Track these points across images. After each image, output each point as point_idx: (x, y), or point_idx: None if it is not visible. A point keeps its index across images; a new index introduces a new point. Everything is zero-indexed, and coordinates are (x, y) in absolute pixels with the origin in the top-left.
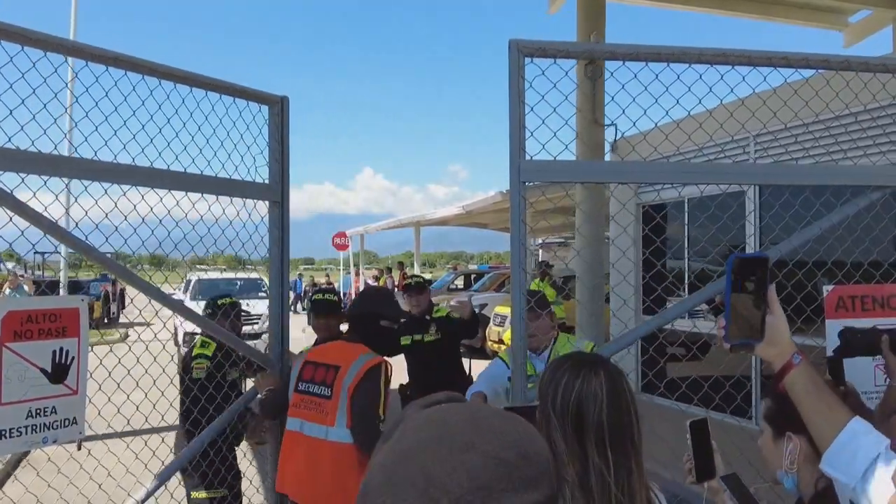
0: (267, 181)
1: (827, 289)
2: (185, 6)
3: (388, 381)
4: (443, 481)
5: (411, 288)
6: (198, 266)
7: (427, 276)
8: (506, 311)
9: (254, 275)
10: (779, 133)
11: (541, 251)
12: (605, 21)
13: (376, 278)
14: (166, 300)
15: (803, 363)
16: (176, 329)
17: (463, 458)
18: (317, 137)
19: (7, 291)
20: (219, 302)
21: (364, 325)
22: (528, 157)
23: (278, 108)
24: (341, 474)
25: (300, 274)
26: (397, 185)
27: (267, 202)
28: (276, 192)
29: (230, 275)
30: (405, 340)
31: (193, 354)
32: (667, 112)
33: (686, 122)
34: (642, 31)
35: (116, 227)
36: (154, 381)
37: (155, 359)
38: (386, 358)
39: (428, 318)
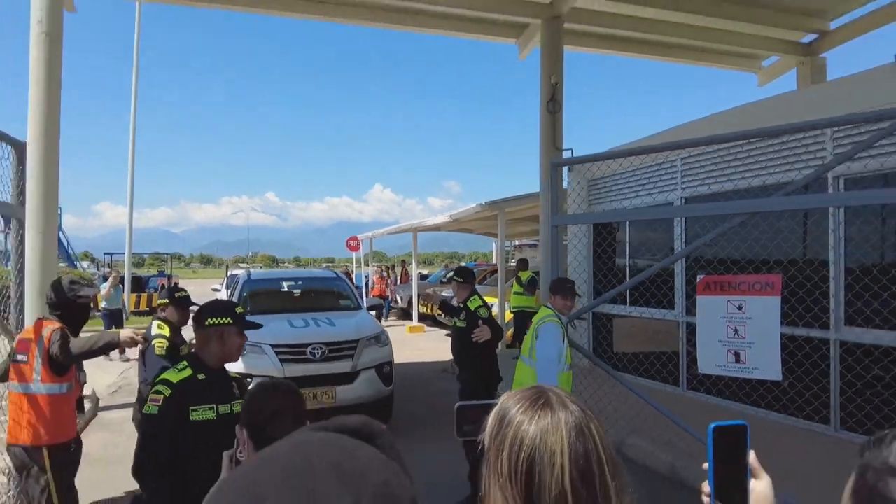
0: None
1: (700, 276)
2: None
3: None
4: None
5: (453, 280)
6: (239, 264)
7: (424, 271)
8: (491, 300)
9: (320, 269)
10: (699, 156)
11: (514, 250)
12: (562, 65)
13: (388, 270)
14: None
15: None
16: None
17: None
18: (336, 158)
19: (111, 290)
20: (176, 295)
21: (67, 305)
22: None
23: (22, 149)
24: (36, 415)
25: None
26: (402, 198)
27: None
28: (21, 211)
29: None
30: (450, 322)
31: (153, 335)
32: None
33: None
34: (589, 69)
35: None
36: None
37: None
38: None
39: (461, 305)
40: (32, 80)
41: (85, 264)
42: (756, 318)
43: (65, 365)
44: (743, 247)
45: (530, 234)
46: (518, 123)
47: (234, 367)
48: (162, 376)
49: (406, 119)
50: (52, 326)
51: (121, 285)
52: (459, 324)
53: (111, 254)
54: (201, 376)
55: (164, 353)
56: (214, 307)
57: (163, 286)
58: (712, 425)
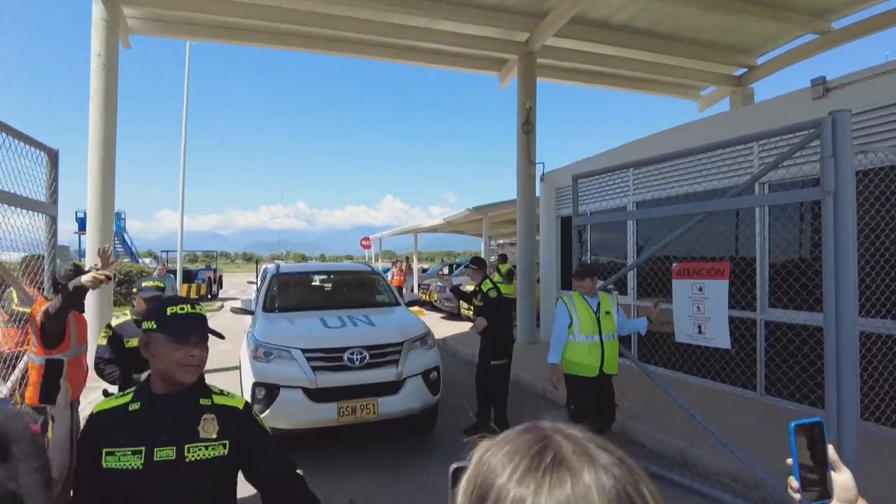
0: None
1: (675, 264)
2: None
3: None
4: None
5: (468, 267)
6: (275, 261)
7: (425, 266)
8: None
9: (354, 262)
10: (651, 167)
11: (497, 248)
12: (535, 93)
13: (396, 262)
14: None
15: None
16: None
17: None
18: (355, 173)
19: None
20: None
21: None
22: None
23: (54, 155)
24: (35, 382)
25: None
26: (409, 206)
27: (45, 216)
28: (53, 209)
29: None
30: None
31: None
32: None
33: (592, 161)
34: (558, 96)
35: None
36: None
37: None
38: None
39: (477, 289)
40: (93, 105)
41: (147, 260)
42: (711, 297)
43: (52, 335)
44: (698, 246)
45: (512, 234)
46: (501, 143)
47: (258, 377)
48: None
49: (413, 140)
50: (42, 305)
51: (171, 275)
52: (477, 303)
53: (167, 251)
54: (135, 406)
55: (104, 342)
56: (153, 306)
57: (209, 278)
58: (792, 424)
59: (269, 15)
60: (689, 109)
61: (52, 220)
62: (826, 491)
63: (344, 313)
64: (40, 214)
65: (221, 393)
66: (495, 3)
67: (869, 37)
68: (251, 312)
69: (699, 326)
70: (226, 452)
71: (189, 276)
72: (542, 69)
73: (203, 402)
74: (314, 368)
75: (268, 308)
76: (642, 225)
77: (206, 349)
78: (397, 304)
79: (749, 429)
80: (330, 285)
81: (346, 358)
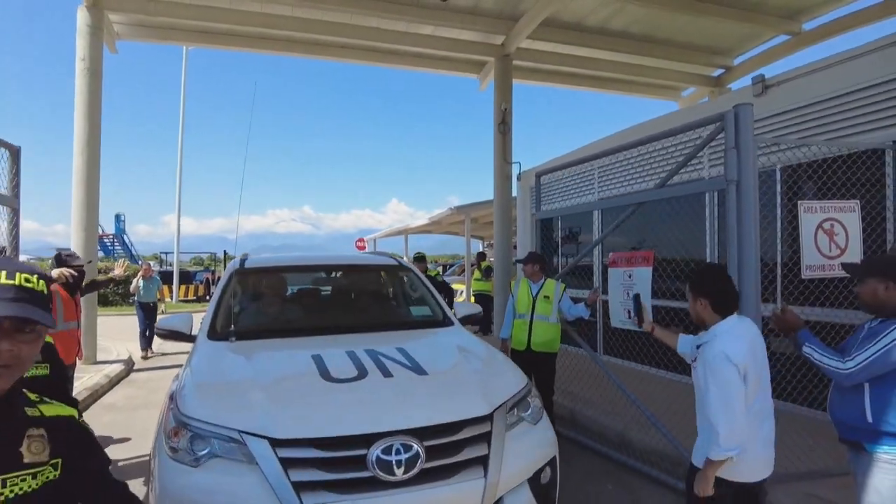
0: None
1: (610, 254)
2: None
3: None
4: None
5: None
6: None
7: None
8: (458, 286)
9: (372, 255)
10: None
11: (485, 248)
12: (511, 95)
13: None
14: None
15: (656, 327)
16: None
17: None
18: (361, 177)
19: (141, 283)
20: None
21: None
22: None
23: (16, 151)
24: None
25: None
26: (414, 210)
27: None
28: (15, 202)
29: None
30: None
31: None
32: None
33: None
34: (536, 97)
35: None
36: None
37: None
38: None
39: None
40: (77, 108)
41: (151, 262)
42: (638, 283)
43: None
44: (658, 240)
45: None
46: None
47: (173, 499)
48: None
49: (417, 143)
50: None
51: (157, 278)
52: None
53: (166, 253)
54: None
55: None
56: None
57: (207, 279)
58: (633, 294)
59: (250, 20)
60: (671, 110)
61: (14, 213)
62: (642, 322)
63: (360, 343)
64: (3, 208)
65: (44, 401)
66: (471, 6)
67: (845, 36)
68: (189, 338)
69: (628, 311)
70: (57, 474)
71: (187, 278)
72: (522, 71)
73: (30, 412)
74: (298, 486)
75: (218, 332)
76: (608, 220)
77: (34, 340)
78: (447, 321)
79: (686, 415)
80: (329, 289)
81: (372, 459)
